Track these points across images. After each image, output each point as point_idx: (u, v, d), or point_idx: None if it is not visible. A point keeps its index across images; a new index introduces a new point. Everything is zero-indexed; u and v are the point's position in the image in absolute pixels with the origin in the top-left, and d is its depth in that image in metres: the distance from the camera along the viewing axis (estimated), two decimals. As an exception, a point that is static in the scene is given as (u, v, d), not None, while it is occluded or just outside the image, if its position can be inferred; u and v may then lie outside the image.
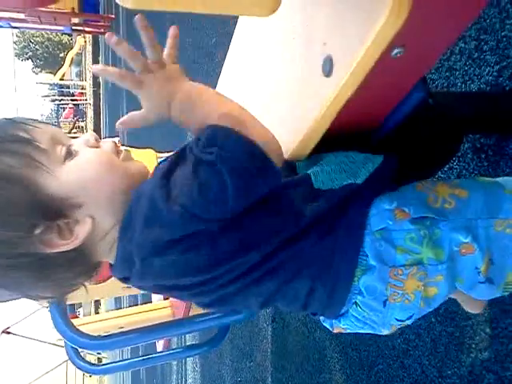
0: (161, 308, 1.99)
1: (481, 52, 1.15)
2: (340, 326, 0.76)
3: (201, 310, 1.66)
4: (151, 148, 1.48)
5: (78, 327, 1.47)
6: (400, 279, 0.67)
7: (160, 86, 0.69)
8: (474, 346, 1.21)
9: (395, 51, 0.59)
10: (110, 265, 0.71)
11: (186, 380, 4.56)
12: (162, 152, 1.56)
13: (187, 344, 3.69)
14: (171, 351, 2.37)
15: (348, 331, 0.76)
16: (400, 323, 0.71)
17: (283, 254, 0.66)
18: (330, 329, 0.78)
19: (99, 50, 16.01)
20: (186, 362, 4.60)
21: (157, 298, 2.22)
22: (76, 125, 20.67)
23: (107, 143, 0.71)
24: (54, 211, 0.64)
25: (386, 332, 0.74)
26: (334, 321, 0.76)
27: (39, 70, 34.71)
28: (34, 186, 0.62)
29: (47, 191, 0.63)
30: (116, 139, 1.72)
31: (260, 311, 2.59)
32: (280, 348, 2.46)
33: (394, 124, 0.74)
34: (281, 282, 0.68)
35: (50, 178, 0.63)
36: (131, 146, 1.83)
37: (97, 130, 16.18)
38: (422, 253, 0.67)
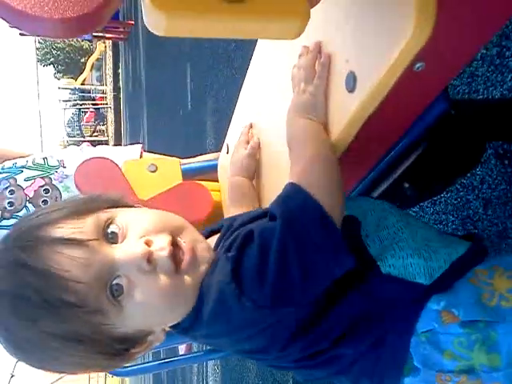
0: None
1: (503, 58, 1.15)
2: None
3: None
4: (174, 156, 1.50)
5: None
6: (448, 383, 0.63)
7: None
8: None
9: (417, 65, 0.60)
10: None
11: (207, 382, 4.58)
12: (185, 158, 1.58)
13: (208, 348, 3.71)
14: (192, 354, 2.39)
15: None
16: None
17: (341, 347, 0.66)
18: None
19: (119, 55, 16.24)
20: (207, 365, 4.62)
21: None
22: (97, 128, 20.98)
23: (163, 261, 0.61)
24: (131, 343, 0.65)
25: None
26: None
27: (61, 75, 35.33)
28: (104, 336, 0.61)
29: (118, 335, 0.62)
30: (139, 146, 1.75)
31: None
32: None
33: (417, 136, 0.75)
34: (332, 372, 0.70)
35: (118, 327, 0.61)
36: (154, 153, 1.86)
37: (117, 133, 16.38)
38: (473, 359, 0.61)
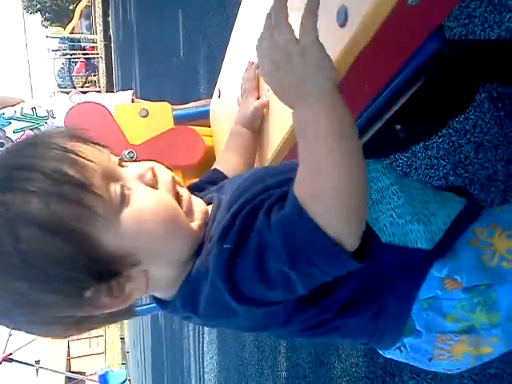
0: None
1: (502, -3, 1.12)
2: (385, 355, 0.76)
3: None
4: (166, 101, 1.48)
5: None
6: (448, 343, 0.64)
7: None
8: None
9: (411, -1, 0.58)
10: (160, 300, 0.68)
11: (203, 337, 4.72)
12: (176, 104, 1.56)
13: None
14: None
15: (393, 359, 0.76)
16: (448, 370, 0.70)
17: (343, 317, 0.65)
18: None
19: (108, 2, 15.65)
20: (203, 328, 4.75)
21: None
22: (88, 79, 20.54)
23: (166, 180, 0.61)
24: (109, 271, 0.55)
25: (428, 368, 0.73)
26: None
27: (48, 23, 34.19)
28: (88, 243, 0.52)
29: (103, 248, 0.54)
30: (130, 92, 1.73)
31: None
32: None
33: (409, 76, 0.74)
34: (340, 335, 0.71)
35: (107, 233, 0.54)
36: (145, 100, 1.83)
37: (109, 84, 16.06)
38: (473, 320, 0.62)
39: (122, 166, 0.61)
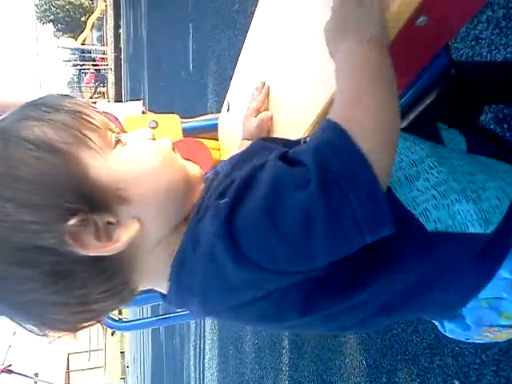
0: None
1: (509, 20, 1.14)
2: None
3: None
4: (174, 113, 1.50)
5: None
6: (493, 333, 0.62)
7: None
8: None
9: (420, 19, 0.60)
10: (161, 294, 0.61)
11: (204, 341, 4.69)
12: (185, 118, 1.58)
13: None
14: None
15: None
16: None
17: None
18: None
19: (120, 14, 15.87)
20: (204, 324, 4.73)
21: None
22: (97, 90, 20.74)
23: (165, 139, 0.60)
24: (97, 201, 0.51)
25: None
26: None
27: (61, 33, 34.65)
28: (80, 165, 0.50)
29: (93, 174, 0.51)
30: (140, 102, 1.75)
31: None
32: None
33: (416, 93, 0.75)
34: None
35: (100, 161, 0.52)
36: (154, 112, 1.85)
37: (118, 95, 16.20)
38: None
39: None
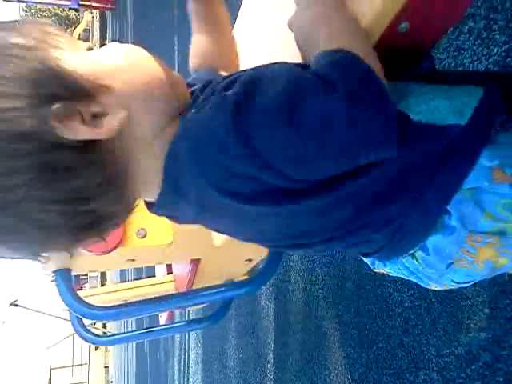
0: (164, 282, 2.02)
1: (490, 31, 1.14)
2: (383, 269, 0.71)
3: (204, 285, 1.69)
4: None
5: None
6: (476, 246, 0.60)
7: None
8: (472, 325, 1.22)
9: (402, 25, 0.59)
10: (148, 203, 0.58)
11: (188, 355, 4.64)
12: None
13: (190, 318, 3.75)
14: (174, 325, 2.41)
15: (390, 275, 0.72)
16: (455, 285, 0.66)
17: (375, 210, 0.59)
18: (371, 266, 0.73)
19: (106, 25, 15.88)
20: (189, 338, 4.68)
21: (161, 272, 2.25)
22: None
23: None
24: (78, 90, 0.48)
25: (434, 287, 0.68)
26: (377, 262, 0.71)
27: (47, 45, 34.55)
28: (54, 59, 0.48)
29: (69, 66, 0.49)
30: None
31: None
32: (282, 325, 2.49)
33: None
34: (369, 232, 0.62)
35: (73, 56, 0.50)
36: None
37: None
38: (510, 222, 0.58)
39: None
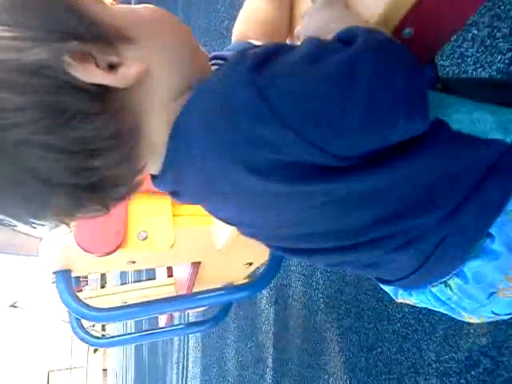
0: (164, 285, 2.02)
1: (493, 39, 1.15)
2: (409, 299, 0.65)
3: (204, 288, 1.69)
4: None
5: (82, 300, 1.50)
6: None
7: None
8: (472, 331, 1.22)
9: (406, 31, 0.59)
10: (153, 176, 0.55)
11: (187, 359, 4.62)
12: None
13: (189, 321, 3.74)
14: (173, 327, 2.41)
15: (417, 305, 0.66)
16: (495, 316, 0.59)
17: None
18: (393, 297, 0.68)
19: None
20: (188, 341, 4.66)
21: (161, 274, 2.25)
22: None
23: None
24: (98, 34, 0.45)
25: (469, 319, 0.62)
26: (401, 291, 0.65)
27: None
28: (77, 1, 0.46)
29: (93, 11, 0.46)
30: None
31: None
32: (281, 329, 2.49)
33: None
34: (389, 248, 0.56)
35: (98, 4, 0.48)
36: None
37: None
38: None
39: None
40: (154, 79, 0.48)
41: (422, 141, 0.48)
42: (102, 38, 0.46)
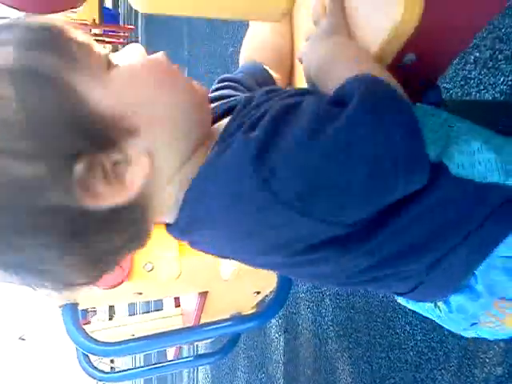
0: (172, 316, 2.00)
1: (496, 61, 1.15)
2: (408, 306, 0.67)
3: (211, 319, 1.66)
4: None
5: (89, 333, 1.48)
6: (504, 312, 0.56)
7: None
8: (487, 360, 1.19)
9: (407, 57, 0.59)
10: (166, 224, 0.55)
11: (197, 390, 4.53)
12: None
13: (198, 353, 3.68)
14: (182, 360, 2.37)
15: (414, 310, 0.68)
16: (480, 336, 0.62)
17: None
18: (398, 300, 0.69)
19: (118, 61, 16.25)
20: (197, 374, 4.58)
21: (169, 305, 2.23)
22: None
23: (158, 53, 0.53)
24: (101, 136, 0.44)
25: (458, 332, 0.64)
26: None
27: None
28: (74, 94, 0.43)
29: (93, 103, 0.44)
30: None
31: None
32: (292, 359, 2.43)
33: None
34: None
35: (97, 86, 0.45)
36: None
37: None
38: None
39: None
40: (159, 163, 0.47)
41: (423, 191, 0.48)
42: (105, 141, 0.44)
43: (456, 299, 0.57)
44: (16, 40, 0.43)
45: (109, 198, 0.44)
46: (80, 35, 0.46)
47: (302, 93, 0.52)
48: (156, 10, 0.44)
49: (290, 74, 0.79)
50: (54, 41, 0.44)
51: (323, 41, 0.57)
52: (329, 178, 0.42)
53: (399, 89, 0.48)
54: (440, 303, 0.59)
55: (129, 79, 0.48)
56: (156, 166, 0.47)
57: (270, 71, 0.72)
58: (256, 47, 0.76)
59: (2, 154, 0.40)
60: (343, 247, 0.49)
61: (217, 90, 0.70)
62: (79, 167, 0.42)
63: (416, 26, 0.53)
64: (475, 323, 0.58)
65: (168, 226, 0.54)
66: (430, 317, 0.64)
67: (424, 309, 0.64)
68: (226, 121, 0.53)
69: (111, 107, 0.45)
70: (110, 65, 0.47)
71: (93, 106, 0.44)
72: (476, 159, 0.51)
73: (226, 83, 0.69)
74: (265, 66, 0.72)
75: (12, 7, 0.45)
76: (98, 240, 0.46)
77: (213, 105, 0.60)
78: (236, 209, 0.44)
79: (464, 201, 0.52)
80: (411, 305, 0.65)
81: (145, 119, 0.47)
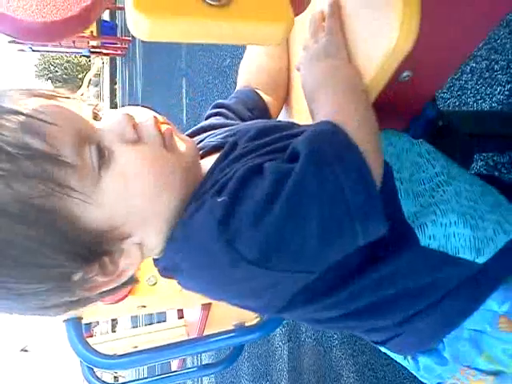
0: (176, 327, 2.00)
1: (492, 71, 1.16)
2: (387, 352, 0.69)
3: (215, 330, 1.66)
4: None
5: (93, 346, 1.48)
6: (469, 378, 0.57)
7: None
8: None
9: (404, 74, 0.60)
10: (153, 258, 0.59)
11: (201, 400, 4.51)
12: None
13: (202, 363, 3.67)
14: (187, 370, 2.36)
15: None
16: None
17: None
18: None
19: (116, 71, 16.31)
20: (201, 382, 4.56)
21: (172, 316, 2.23)
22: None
23: (149, 130, 0.52)
24: (96, 250, 0.48)
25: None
26: None
27: (58, 91, 35.34)
28: (65, 222, 0.45)
29: (85, 225, 0.47)
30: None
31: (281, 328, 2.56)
32: (296, 367, 2.43)
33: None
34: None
35: (87, 207, 0.46)
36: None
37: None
38: (509, 366, 0.55)
39: (96, 119, 0.52)
40: (149, 242, 0.52)
41: (390, 254, 0.52)
42: (100, 251, 0.49)
43: (423, 360, 0.59)
44: (5, 172, 0.43)
45: (104, 286, 0.51)
46: (67, 147, 0.46)
47: (282, 147, 0.53)
48: (158, 38, 0.45)
49: (287, 94, 0.81)
50: (39, 171, 0.44)
51: (320, 62, 0.60)
52: (286, 236, 0.45)
53: (368, 135, 0.49)
54: (409, 358, 0.62)
55: (120, 190, 0.48)
56: (145, 246, 0.52)
57: (264, 96, 0.77)
58: (252, 71, 0.80)
59: (10, 269, 0.46)
60: (310, 298, 0.53)
61: (210, 116, 0.74)
62: (76, 278, 0.49)
63: (412, 47, 0.54)
64: (440, 383, 0.60)
65: (155, 260, 0.58)
66: (403, 364, 0.66)
67: (399, 357, 0.66)
68: (210, 163, 0.56)
69: (104, 222, 0.48)
70: (102, 165, 0.48)
71: (85, 226, 0.47)
72: (451, 232, 0.54)
73: (219, 110, 0.74)
74: (258, 91, 0.77)
75: (11, 36, 0.45)
76: (90, 299, 0.53)
77: (203, 135, 0.66)
78: (208, 266, 0.49)
79: (430, 270, 0.54)
80: (388, 352, 0.68)
81: (136, 224, 0.50)
